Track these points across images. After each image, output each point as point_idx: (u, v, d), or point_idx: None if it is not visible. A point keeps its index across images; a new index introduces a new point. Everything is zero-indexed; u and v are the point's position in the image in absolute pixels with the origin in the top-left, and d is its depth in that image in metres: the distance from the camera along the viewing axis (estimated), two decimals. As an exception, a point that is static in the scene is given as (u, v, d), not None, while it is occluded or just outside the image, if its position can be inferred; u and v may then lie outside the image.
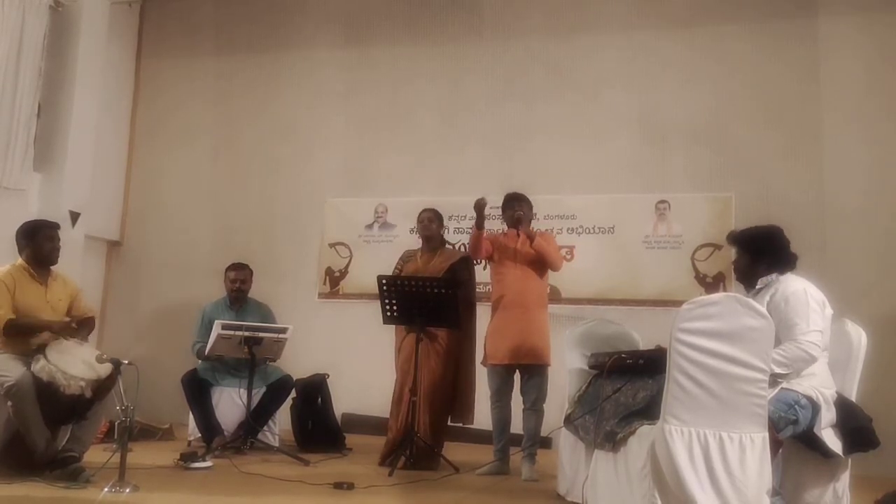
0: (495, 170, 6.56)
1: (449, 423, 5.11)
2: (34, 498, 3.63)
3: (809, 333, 3.25)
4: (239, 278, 5.75)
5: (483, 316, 5.17)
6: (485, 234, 4.97)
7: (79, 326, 4.28)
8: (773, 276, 3.47)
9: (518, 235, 4.97)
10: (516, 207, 5.00)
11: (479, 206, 4.80)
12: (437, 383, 4.93)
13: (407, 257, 5.32)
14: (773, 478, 3.04)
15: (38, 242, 4.30)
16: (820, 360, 3.37)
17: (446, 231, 5.71)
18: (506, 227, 5.16)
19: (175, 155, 7.58)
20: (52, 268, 4.40)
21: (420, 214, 5.30)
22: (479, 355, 5.08)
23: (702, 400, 2.98)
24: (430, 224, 5.23)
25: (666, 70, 6.55)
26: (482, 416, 5.07)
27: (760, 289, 3.49)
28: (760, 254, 3.53)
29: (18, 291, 4.17)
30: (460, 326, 4.91)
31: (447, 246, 5.62)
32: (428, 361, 4.92)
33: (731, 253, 4.01)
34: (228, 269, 5.82)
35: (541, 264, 4.91)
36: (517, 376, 4.92)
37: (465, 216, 6.37)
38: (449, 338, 5.00)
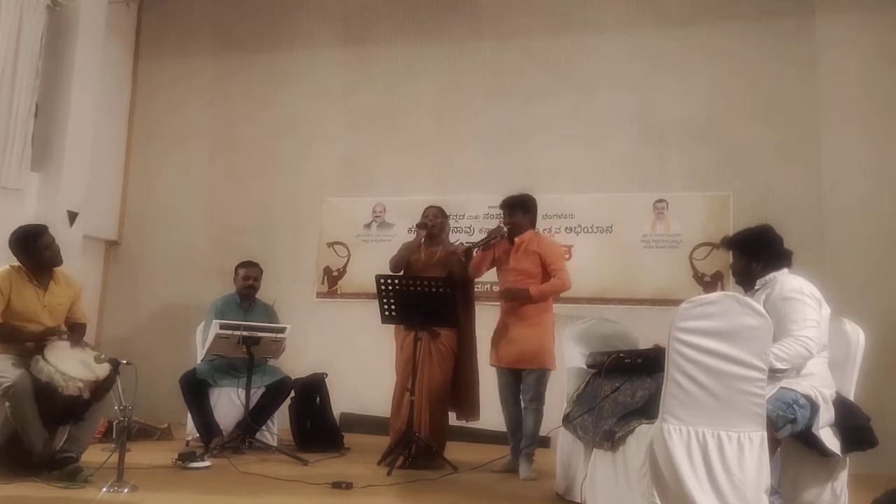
0: (493, 169, 6.56)
1: (455, 420, 5.09)
2: (32, 498, 3.63)
3: (807, 329, 3.26)
4: (251, 276, 5.71)
5: (481, 313, 5.16)
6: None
7: (70, 332, 4.26)
8: (771, 275, 3.48)
9: (512, 244, 4.88)
10: (506, 219, 4.91)
11: (499, 234, 4.79)
12: (438, 382, 4.91)
13: (408, 249, 5.16)
14: (771, 477, 3.04)
15: (38, 252, 4.20)
16: (819, 359, 3.37)
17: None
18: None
19: (173, 154, 7.58)
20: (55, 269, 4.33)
21: (426, 210, 5.25)
22: (484, 352, 5.03)
23: (700, 399, 2.98)
24: (435, 220, 5.19)
25: (664, 69, 6.55)
26: (484, 414, 5.07)
27: (758, 289, 3.50)
28: (756, 254, 3.54)
29: (14, 294, 4.13)
30: (459, 325, 4.90)
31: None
32: (428, 361, 4.90)
33: (728, 257, 4.01)
34: (240, 266, 5.77)
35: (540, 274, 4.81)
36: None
37: (463, 215, 6.38)
38: (448, 336, 4.98)
